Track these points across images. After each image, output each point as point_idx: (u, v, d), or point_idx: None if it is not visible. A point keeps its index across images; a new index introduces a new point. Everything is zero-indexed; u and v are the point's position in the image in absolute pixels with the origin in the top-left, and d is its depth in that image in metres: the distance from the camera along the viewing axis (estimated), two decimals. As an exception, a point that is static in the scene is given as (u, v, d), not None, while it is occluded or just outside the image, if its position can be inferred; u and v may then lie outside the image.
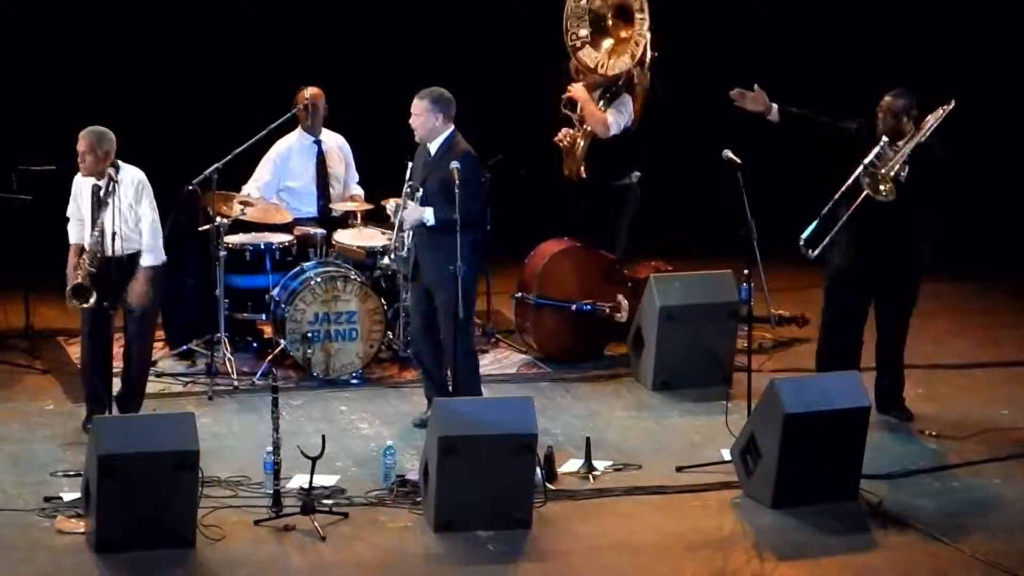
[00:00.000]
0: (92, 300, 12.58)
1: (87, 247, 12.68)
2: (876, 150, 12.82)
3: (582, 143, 14.79)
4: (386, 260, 13.51)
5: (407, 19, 17.34)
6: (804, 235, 12.86)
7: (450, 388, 12.87)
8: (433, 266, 12.67)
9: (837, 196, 12.84)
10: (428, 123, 12.56)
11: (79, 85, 16.58)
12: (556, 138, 14.89)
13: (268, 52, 16.45)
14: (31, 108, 16.00)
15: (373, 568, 11.26)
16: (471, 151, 12.79)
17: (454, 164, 12.38)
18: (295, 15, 17.02)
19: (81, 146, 12.63)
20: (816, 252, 12.86)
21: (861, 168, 12.74)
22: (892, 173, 12.70)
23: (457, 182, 12.37)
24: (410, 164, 12.87)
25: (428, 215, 12.56)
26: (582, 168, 14.82)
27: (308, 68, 15.14)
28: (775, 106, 13.05)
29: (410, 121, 12.61)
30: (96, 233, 12.62)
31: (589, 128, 14.74)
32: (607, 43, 14.89)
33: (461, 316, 12.60)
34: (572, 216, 15.05)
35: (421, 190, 12.60)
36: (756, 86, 13.09)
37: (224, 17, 17.01)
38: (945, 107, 12.93)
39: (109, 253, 12.57)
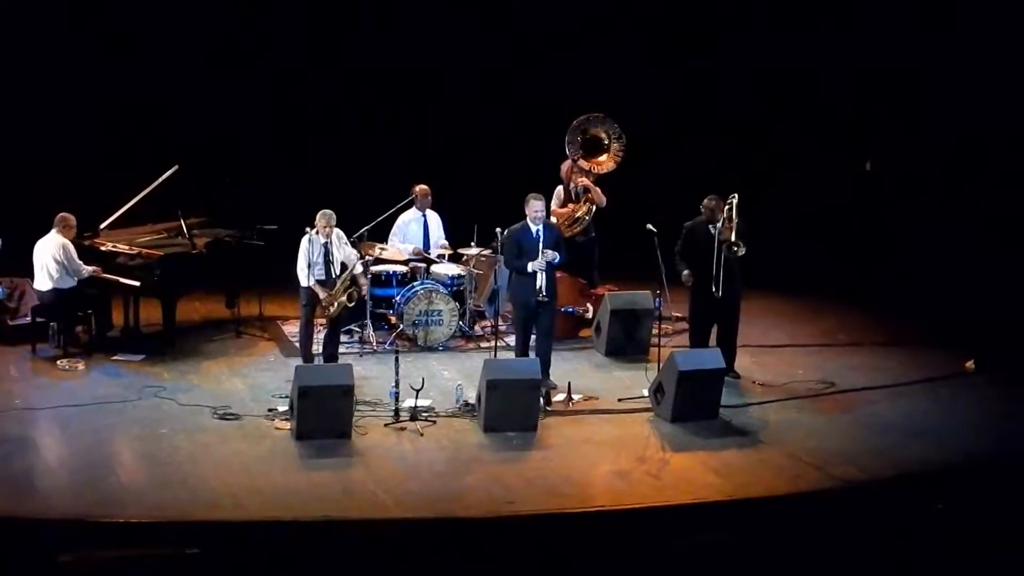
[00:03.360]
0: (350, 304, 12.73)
1: (322, 280, 12.67)
2: (716, 234, 12.69)
3: (584, 214, 14.51)
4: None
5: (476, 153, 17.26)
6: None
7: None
8: (553, 288, 12.52)
9: (715, 260, 12.68)
10: (542, 214, 12.41)
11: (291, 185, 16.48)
12: (565, 209, 14.58)
13: (398, 164, 16.28)
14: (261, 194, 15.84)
15: (449, 450, 11.31)
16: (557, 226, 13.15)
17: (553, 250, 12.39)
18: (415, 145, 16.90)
19: (323, 222, 12.62)
20: (719, 293, 12.72)
21: (722, 245, 12.64)
22: (734, 238, 12.64)
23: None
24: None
25: (557, 257, 12.39)
26: (577, 229, 14.50)
27: (420, 172, 14.95)
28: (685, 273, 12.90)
29: (535, 211, 12.34)
30: (335, 269, 12.71)
31: (594, 202, 14.52)
32: (597, 156, 14.74)
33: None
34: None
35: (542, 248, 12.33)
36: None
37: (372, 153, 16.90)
38: (733, 199, 12.68)
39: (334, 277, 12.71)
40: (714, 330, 13.04)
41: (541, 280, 12.38)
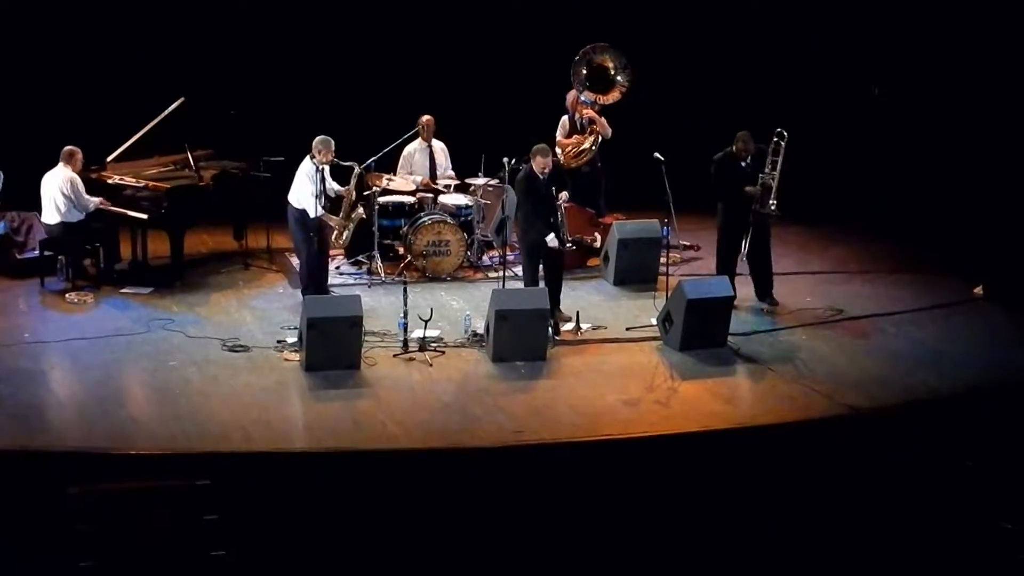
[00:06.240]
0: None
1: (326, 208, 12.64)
2: (750, 170, 12.68)
3: (590, 145, 14.32)
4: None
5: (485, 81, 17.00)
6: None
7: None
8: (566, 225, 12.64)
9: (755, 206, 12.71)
10: (551, 164, 12.18)
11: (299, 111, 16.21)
12: (571, 140, 14.41)
13: (403, 94, 16.05)
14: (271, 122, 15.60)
15: (457, 381, 11.28)
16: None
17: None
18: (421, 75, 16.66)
19: (322, 148, 12.47)
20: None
21: (762, 195, 12.67)
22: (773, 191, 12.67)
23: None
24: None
25: (566, 195, 12.56)
26: (583, 160, 14.37)
27: (425, 103, 14.78)
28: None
29: (543, 168, 12.03)
30: (332, 194, 12.69)
31: (599, 133, 14.32)
32: (603, 86, 14.52)
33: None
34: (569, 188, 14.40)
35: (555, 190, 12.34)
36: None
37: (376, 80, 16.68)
38: (781, 141, 12.66)
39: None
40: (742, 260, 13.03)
41: (562, 225, 12.41)
